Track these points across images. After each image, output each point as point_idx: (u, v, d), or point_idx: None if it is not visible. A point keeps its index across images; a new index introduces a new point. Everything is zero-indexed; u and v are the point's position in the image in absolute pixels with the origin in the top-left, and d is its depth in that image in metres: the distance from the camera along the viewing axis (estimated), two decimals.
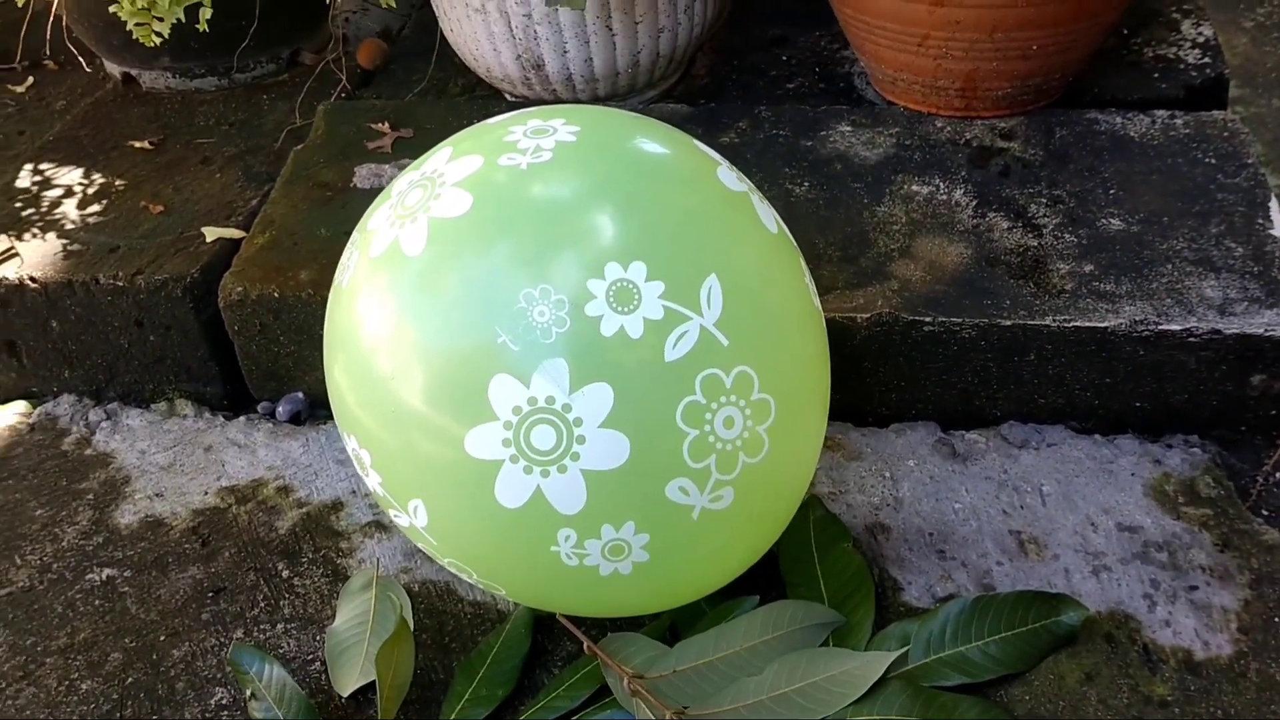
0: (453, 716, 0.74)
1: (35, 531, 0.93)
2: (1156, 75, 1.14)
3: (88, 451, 1.02)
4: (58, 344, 1.06)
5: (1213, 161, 1.00)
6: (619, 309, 0.62)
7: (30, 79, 1.44)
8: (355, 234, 0.72)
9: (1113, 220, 0.95)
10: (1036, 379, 0.91)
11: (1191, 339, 0.86)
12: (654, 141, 0.70)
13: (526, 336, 0.61)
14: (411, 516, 0.69)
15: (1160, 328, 0.86)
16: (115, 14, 1.06)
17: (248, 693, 0.75)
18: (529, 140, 0.68)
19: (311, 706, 0.74)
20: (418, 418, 0.64)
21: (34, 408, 1.09)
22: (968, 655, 0.75)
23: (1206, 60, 1.15)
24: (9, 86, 1.43)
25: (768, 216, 0.72)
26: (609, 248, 0.63)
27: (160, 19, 1.06)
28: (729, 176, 0.71)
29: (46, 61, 1.47)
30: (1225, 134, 1.03)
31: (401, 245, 0.65)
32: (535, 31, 1.08)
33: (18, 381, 1.10)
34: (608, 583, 0.68)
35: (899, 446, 0.93)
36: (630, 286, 0.62)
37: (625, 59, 1.10)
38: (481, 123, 0.74)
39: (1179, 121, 1.05)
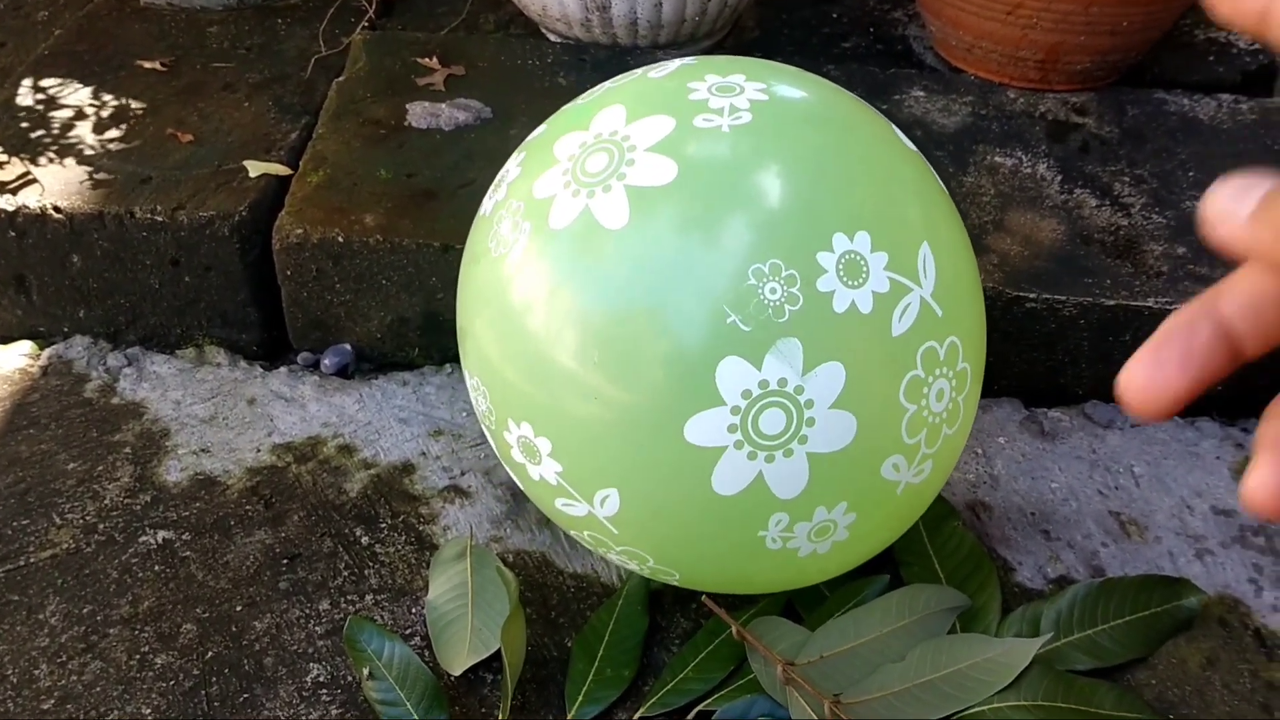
0: (580, 697, 0.71)
1: (71, 488, 0.85)
2: (1212, 58, 1.14)
3: (114, 400, 0.93)
4: (76, 281, 0.97)
5: None
6: (849, 283, 0.57)
7: None
8: (511, 201, 0.64)
9: (1197, 202, 0.95)
10: (1125, 359, 0.90)
11: None
12: (838, 99, 0.66)
13: (759, 316, 0.56)
14: (595, 507, 0.63)
15: None
16: None
17: (364, 672, 0.70)
18: (719, 99, 0.62)
19: (439, 690, 0.69)
20: (626, 405, 0.58)
21: (41, 349, 0.99)
22: (1096, 639, 0.74)
23: (1257, 46, 1.16)
24: None
25: (937, 178, 0.69)
26: (833, 217, 0.58)
27: None
28: (903, 136, 0.68)
29: None
30: None
31: (596, 216, 0.59)
32: None
33: (23, 320, 1.00)
34: (799, 563, 0.65)
35: (987, 423, 0.92)
36: (858, 259, 0.58)
37: (694, 6, 1.05)
38: (639, 75, 0.68)
39: (1244, 107, 1.05)
